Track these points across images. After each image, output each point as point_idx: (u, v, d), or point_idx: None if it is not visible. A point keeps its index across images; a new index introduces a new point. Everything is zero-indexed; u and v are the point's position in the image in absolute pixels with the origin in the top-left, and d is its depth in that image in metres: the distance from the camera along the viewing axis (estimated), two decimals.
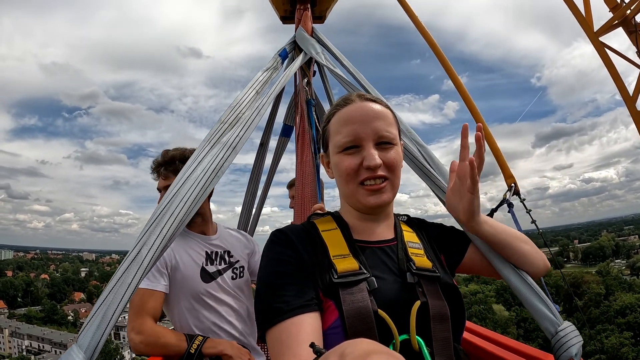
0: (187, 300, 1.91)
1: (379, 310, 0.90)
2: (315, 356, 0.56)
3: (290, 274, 0.96)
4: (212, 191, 2.06)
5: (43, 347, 66.71)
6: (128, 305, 1.72)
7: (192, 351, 1.73)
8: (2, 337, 72.00)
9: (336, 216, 1.16)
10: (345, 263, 0.98)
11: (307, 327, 0.87)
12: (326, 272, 0.97)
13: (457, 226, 1.34)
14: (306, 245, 1.03)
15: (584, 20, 8.21)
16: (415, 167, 1.44)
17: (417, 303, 0.95)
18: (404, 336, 0.90)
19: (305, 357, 0.80)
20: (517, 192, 2.68)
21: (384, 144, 1.06)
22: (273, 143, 2.78)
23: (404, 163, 1.51)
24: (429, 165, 1.42)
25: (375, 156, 1.02)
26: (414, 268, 1.02)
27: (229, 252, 2.12)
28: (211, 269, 2.01)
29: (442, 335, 0.95)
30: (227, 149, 1.36)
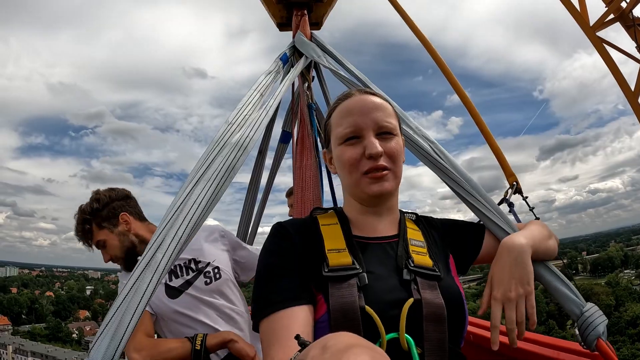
0: (166, 322, 1.87)
1: (366, 307, 0.88)
2: (300, 348, 0.57)
3: (285, 266, 0.98)
4: None
5: None
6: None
7: (198, 347, 1.70)
8: (6, 353, 71.56)
9: (339, 211, 1.17)
10: (339, 257, 0.98)
11: (298, 319, 0.88)
12: (318, 266, 0.97)
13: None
14: (303, 239, 1.05)
15: (579, 16, 8.03)
16: (429, 162, 1.43)
17: (410, 300, 0.91)
18: (393, 334, 0.87)
19: (294, 348, 0.78)
20: (519, 191, 2.66)
21: (384, 134, 1.07)
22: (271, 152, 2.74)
23: (412, 160, 1.51)
24: (442, 159, 1.42)
25: (376, 144, 1.04)
26: (412, 265, 1.00)
27: (194, 260, 1.97)
28: (177, 282, 1.91)
29: (435, 336, 0.90)
30: (238, 150, 1.36)
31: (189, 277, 1.93)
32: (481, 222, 1.34)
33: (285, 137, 2.74)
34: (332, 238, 1.05)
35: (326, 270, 0.95)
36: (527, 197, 2.76)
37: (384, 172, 1.04)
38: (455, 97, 3.06)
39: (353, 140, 1.07)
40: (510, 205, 2.64)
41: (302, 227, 1.09)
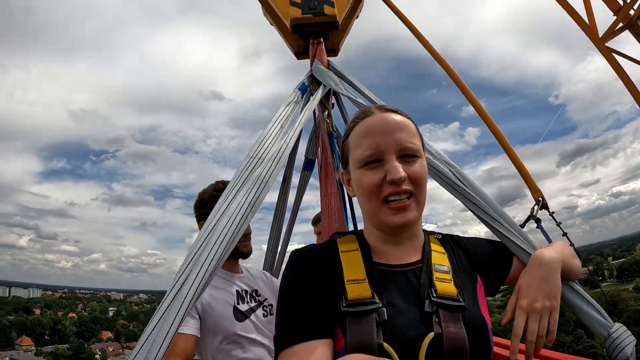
0: (219, 341, 1.89)
1: (384, 343, 0.85)
2: None
3: (305, 298, 0.95)
4: None
5: None
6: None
7: None
8: None
9: (359, 235, 1.11)
10: (358, 290, 0.94)
11: (317, 353, 0.86)
12: (337, 298, 0.94)
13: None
14: (323, 268, 1.00)
15: (588, 28, 7.96)
16: (450, 188, 1.42)
17: (430, 335, 0.87)
18: None
19: None
20: (545, 206, 2.61)
21: (407, 157, 1.00)
22: (295, 179, 2.77)
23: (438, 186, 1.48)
24: (463, 184, 1.40)
25: (399, 169, 0.96)
26: (434, 295, 0.95)
27: (256, 291, 2.12)
28: (243, 307, 1.99)
29: None
30: (260, 184, 1.38)
31: (252, 305, 2.03)
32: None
33: (309, 164, 2.76)
34: (352, 267, 1.00)
35: (344, 305, 0.91)
36: (553, 213, 2.73)
37: (407, 202, 0.98)
38: (470, 108, 3.07)
39: (373, 164, 1.00)
40: (538, 221, 2.63)
41: (320, 254, 1.05)
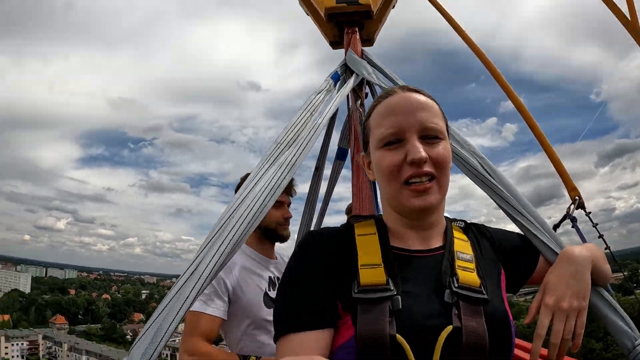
0: (246, 325, 1.90)
1: (397, 335, 0.78)
2: None
3: (309, 282, 0.91)
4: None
5: None
6: (183, 328, 1.69)
7: None
8: (61, 351, 76.42)
9: (378, 219, 1.05)
10: (372, 275, 0.87)
11: (310, 347, 0.83)
12: (349, 284, 0.88)
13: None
14: (335, 250, 0.95)
15: (629, 23, 7.58)
16: (477, 180, 1.36)
17: (448, 328, 0.81)
18: None
19: None
20: (581, 205, 2.50)
21: (430, 138, 0.95)
22: (328, 170, 2.75)
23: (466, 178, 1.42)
24: (491, 177, 1.34)
25: (420, 149, 0.91)
26: (456, 285, 0.88)
27: None
28: (274, 294, 1.98)
29: None
30: (285, 169, 1.36)
31: None
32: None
33: (341, 154, 2.74)
34: (368, 251, 0.94)
35: (356, 290, 0.86)
36: (590, 213, 2.62)
37: (428, 184, 0.92)
38: (509, 103, 2.97)
39: (394, 145, 0.95)
40: (574, 220, 2.51)
41: (335, 236, 0.99)
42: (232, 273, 1.90)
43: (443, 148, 0.96)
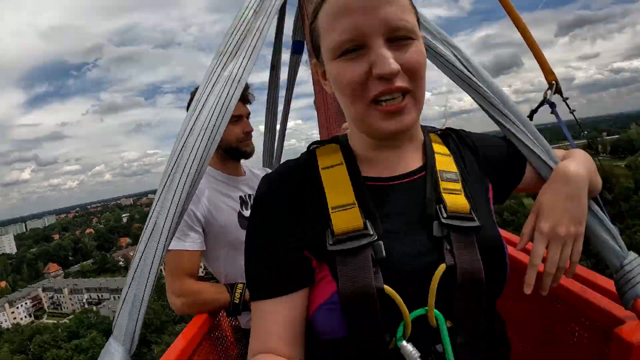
0: (225, 250, 1.84)
1: (385, 287, 0.70)
2: None
3: (274, 245, 0.79)
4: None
5: (102, 296, 73.72)
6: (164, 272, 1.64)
7: (237, 301, 1.68)
8: (63, 296, 79.69)
9: (343, 144, 0.89)
10: (346, 219, 0.75)
11: (284, 312, 0.76)
12: (321, 233, 0.76)
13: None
14: (299, 195, 0.82)
15: None
16: (453, 75, 1.15)
17: (442, 267, 0.72)
18: (420, 311, 0.71)
19: (274, 346, 0.75)
20: (558, 91, 2.40)
21: (399, 39, 0.73)
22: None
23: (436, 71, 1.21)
24: (468, 70, 1.14)
25: (389, 59, 0.70)
26: (445, 215, 0.77)
27: None
28: (248, 213, 1.89)
29: (470, 308, 0.74)
30: (231, 84, 1.14)
31: None
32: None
33: (298, 46, 2.49)
34: (337, 188, 0.80)
35: (331, 242, 0.74)
36: (567, 98, 2.52)
37: (402, 102, 0.74)
38: None
39: (353, 53, 0.73)
40: (552, 105, 2.43)
41: (295, 175, 0.85)
42: (201, 202, 1.80)
43: (416, 51, 0.74)
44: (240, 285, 1.73)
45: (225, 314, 1.81)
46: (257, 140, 2.13)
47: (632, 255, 1.05)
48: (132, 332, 0.88)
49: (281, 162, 1.13)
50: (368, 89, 0.73)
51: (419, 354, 0.69)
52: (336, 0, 0.74)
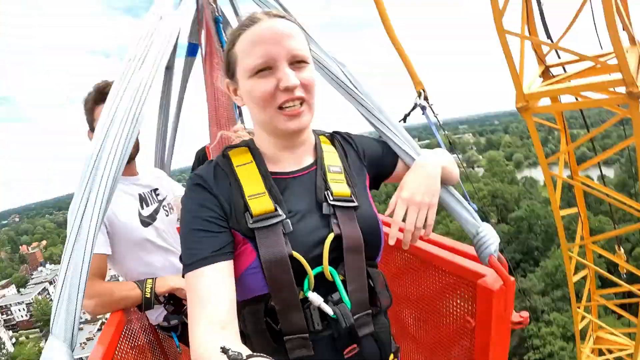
0: (130, 250, 1.87)
1: (293, 252, 0.96)
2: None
3: (206, 219, 0.98)
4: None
5: None
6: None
7: (148, 296, 1.75)
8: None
9: (251, 147, 1.13)
10: (261, 204, 0.99)
11: (218, 279, 0.93)
12: (242, 215, 0.99)
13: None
14: (222, 187, 1.03)
15: None
16: (339, 87, 1.39)
17: (331, 236, 1.00)
18: (319, 269, 0.98)
19: (215, 311, 0.88)
20: (425, 97, 3.00)
21: (298, 62, 1.01)
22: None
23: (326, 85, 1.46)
24: (352, 84, 1.38)
25: (292, 76, 0.98)
26: (331, 198, 1.05)
27: (155, 190, 2.09)
28: (146, 212, 1.96)
29: (355, 265, 1.02)
30: (143, 90, 1.17)
31: (155, 206, 2.01)
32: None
33: (192, 50, 2.54)
34: (250, 181, 1.04)
35: (251, 221, 0.97)
36: (432, 105, 3.14)
37: (300, 108, 1.01)
38: None
39: (264, 71, 0.99)
40: (423, 108, 3.04)
41: (218, 172, 1.06)
42: None
43: (310, 71, 1.04)
44: (149, 281, 1.80)
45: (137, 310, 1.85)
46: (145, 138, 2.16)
47: (484, 224, 1.38)
48: (71, 328, 0.95)
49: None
50: (275, 98, 0.99)
51: (322, 300, 0.96)
52: (251, 33, 1.01)
